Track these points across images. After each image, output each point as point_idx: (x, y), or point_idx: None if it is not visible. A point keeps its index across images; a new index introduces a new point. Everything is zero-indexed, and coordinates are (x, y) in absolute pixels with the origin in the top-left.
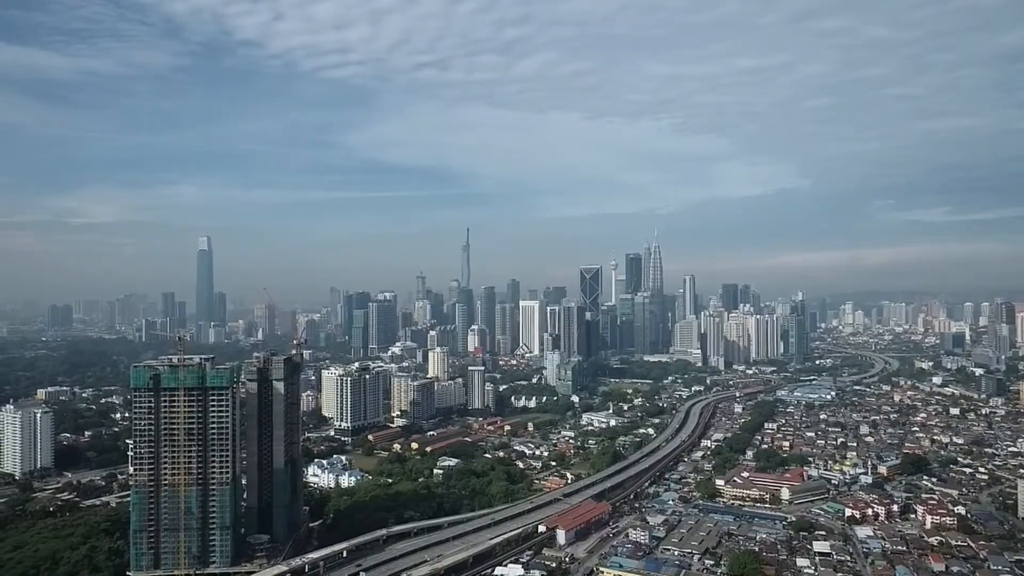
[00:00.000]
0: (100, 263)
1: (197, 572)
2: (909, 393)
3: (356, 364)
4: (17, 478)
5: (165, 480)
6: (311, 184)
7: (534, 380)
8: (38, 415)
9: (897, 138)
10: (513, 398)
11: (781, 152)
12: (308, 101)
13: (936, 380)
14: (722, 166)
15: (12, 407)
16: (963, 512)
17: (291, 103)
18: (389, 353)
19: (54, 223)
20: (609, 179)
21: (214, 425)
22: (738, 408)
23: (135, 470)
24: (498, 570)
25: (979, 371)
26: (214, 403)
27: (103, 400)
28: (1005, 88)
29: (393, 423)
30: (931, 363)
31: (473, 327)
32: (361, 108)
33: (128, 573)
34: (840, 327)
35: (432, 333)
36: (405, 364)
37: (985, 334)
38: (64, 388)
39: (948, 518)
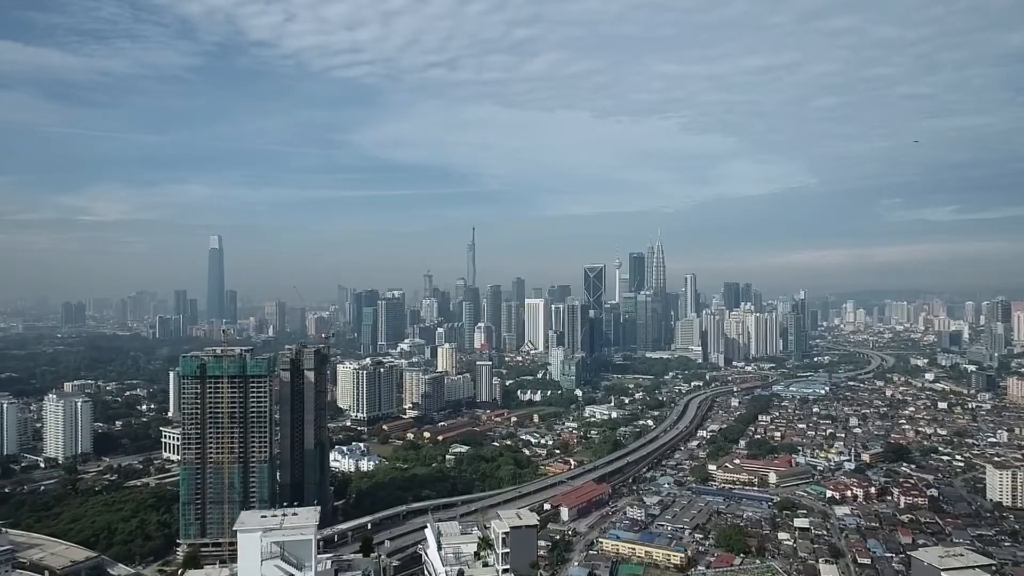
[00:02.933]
0: (109, 261)
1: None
2: (901, 389)
3: (368, 359)
4: (60, 462)
5: (211, 458)
6: (318, 183)
7: (539, 375)
8: (78, 404)
9: (905, 137)
10: (519, 392)
11: (789, 151)
12: (317, 100)
13: (929, 376)
14: (729, 165)
15: (55, 397)
16: (935, 494)
17: (300, 102)
18: (398, 349)
19: (63, 221)
20: (616, 178)
21: (254, 410)
22: (735, 402)
23: (184, 449)
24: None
25: (972, 368)
26: (254, 390)
27: (127, 393)
28: (1013, 87)
29: (405, 414)
30: (926, 360)
31: (479, 324)
32: (369, 107)
33: (178, 541)
34: (841, 325)
35: (440, 330)
36: (414, 360)
37: (984, 332)
38: (89, 382)
39: (920, 499)
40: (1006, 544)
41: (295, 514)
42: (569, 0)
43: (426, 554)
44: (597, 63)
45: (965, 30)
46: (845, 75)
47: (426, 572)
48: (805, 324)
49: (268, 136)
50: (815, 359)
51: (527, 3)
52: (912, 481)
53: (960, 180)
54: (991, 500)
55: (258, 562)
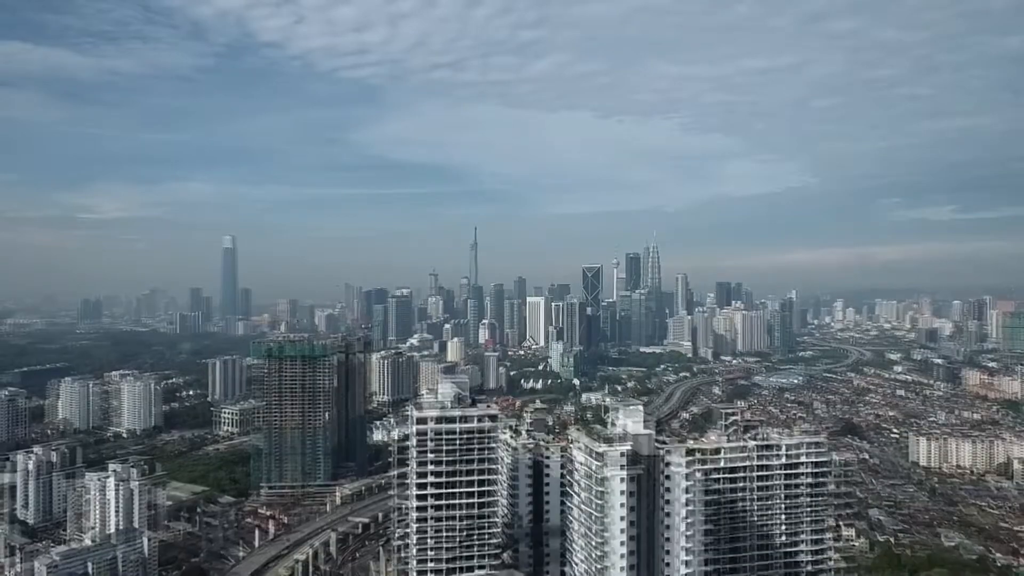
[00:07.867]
0: (111, 258)
1: (306, 484)
2: (869, 379)
3: (382, 352)
4: (138, 433)
5: (284, 421)
6: (322, 181)
7: (540, 367)
8: (151, 384)
9: (905, 137)
10: (522, 381)
11: (790, 151)
12: (322, 99)
13: (898, 369)
14: (731, 164)
15: (132, 377)
16: (867, 457)
17: (305, 102)
18: (408, 344)
19: (65, 219)
20: (618, 177)
21: (317, 384)
22: (717, 390)
23: (265, 414)
24: None
25: (940, 361)
26: (317, 369)
27: (164, 382)
28: (1012, 89)
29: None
30: (901, 355)
31: (484, 321)
32: (373, 106)
33: (260, 484)
34: (831, 323)
35: (447, 326)
36: (424, 353)
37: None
38: (127, 372)
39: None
40: (909, 490)
41: (455, 375)
42: (574, 3)
43: None
44: (600, 64)
45: (964, 33)
46: (845, 76)
47: None
48: (792, 321)
49: (273, 135)
50: (799, 354)
51: (533, 6)
52: (853, 450)
53: (960, 180)
54: (912, 462)
55: (450, 390)
